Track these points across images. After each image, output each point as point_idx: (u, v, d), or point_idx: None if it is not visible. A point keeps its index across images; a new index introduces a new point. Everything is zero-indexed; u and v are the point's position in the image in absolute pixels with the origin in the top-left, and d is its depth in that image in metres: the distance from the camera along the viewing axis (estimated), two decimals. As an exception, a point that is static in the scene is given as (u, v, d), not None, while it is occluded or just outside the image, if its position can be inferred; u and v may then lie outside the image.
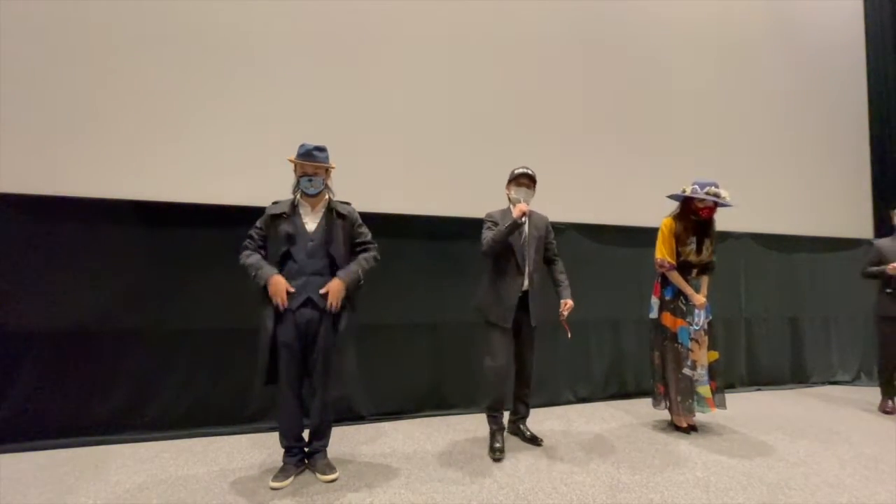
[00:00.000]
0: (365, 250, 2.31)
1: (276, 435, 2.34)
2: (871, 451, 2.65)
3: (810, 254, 4.60)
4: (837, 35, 5.04)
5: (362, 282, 2.26)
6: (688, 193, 2.79)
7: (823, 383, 4.41)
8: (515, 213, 2.48)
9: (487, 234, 2.56)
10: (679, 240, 2.82)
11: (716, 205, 2.79)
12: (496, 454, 2.48)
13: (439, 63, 3.50)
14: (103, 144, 2.79)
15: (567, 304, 2.64)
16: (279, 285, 2.09)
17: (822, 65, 4.92)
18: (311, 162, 2.17)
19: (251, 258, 2.17)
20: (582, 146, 3.89)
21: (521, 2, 3.75)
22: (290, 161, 2.22)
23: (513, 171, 2.68)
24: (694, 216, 2.83)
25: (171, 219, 2.84)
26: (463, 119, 3.54)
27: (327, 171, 2.25)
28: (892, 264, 3.33)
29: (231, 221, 2.85)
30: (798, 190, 4.69)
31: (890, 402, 3.47)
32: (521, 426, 2.79)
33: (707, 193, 2.72)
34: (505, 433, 2.67)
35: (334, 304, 2.14)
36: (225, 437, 2.74)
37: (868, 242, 4.09)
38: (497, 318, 2.53)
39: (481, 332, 2.67)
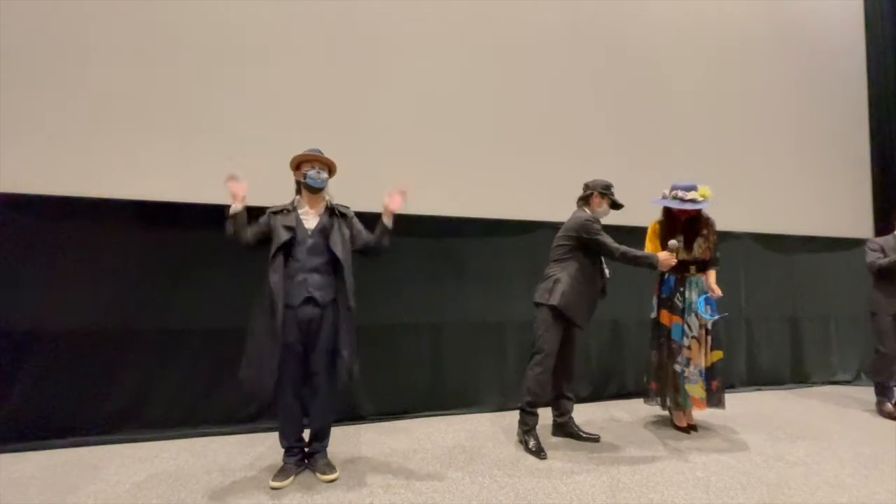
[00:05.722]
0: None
1: (276, 435, 2.35)
2: (871, 451, 2.65)
3: (810, 254, 4.60)
4: (837, 35, 5.03)
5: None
6: (667, 197, 2.88)
7: (823, 383, 4.40)
8: (664, 261, 2.61)
9: (610, 243, 2.63)
10: (665, 240, 2.83)
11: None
12: (541, 455, 2.48)
13: (439, 63, 3.50)
14: (103, 144, 2.79)
15: None
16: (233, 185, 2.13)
17: (823, 64, 4.91)
18: (321, 156, 2.25)
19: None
20: (582, 146, 3.88)
21: (523, 2, 3.75)
22: (295, 162, 2.25)
23: (607, 186, 2.77)
24: (677, 217, 2.89)
25: (171, 219, 2.84)
26: (463, 119, 3.53)
27: (330, 171, 2.29)
28: None
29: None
30: (798, 190, 4.68)
31: (889, 404, 3.37)
32: (575, 427, 2.79)
33: (674, 197, 2.83)
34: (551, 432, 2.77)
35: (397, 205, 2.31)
36: (225, 437, 2.74)
37: (861, 242, 3.89)
38: (583, 320, 2.67)
39: (534, 328, 2.67)
